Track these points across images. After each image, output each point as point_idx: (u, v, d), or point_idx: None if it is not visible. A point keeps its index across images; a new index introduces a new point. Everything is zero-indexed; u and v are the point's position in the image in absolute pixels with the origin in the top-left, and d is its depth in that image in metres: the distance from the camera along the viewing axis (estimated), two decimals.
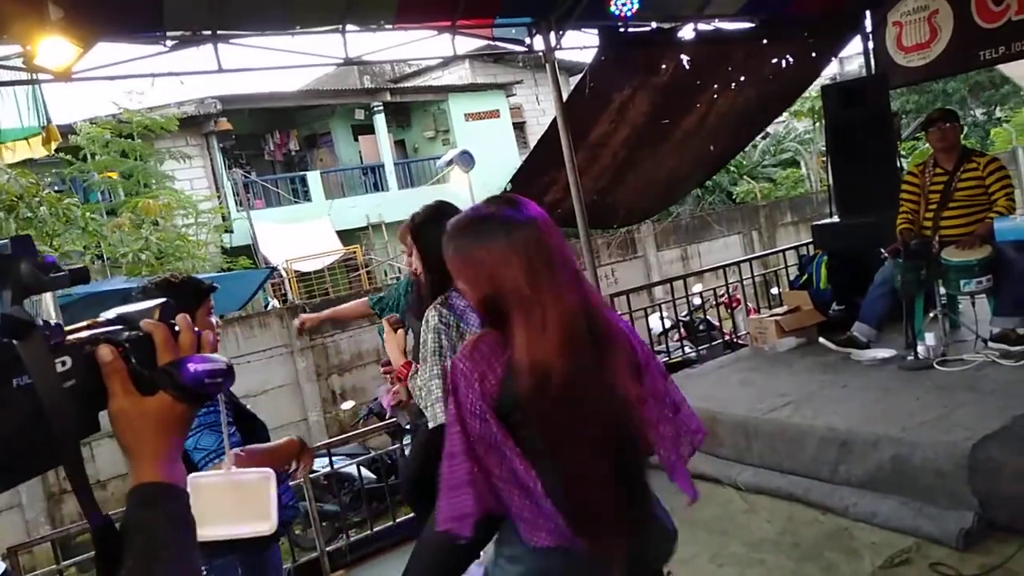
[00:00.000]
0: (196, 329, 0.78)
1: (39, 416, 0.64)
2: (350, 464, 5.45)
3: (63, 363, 0.67)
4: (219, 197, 14.15)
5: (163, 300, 0.79)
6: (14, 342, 0.63)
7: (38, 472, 0.69)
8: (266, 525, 0.89)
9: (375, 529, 4.24)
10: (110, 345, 0.71)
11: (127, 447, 0.74)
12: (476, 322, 2.24)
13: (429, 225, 2.42)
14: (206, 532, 0.83)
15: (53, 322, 0.69)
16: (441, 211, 2.48)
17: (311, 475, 4.01)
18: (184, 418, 0.76)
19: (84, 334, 0.71)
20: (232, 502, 0.88)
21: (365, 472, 5.93)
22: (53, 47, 3.43)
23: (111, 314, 0.77)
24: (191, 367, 0.73)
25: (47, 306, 3.05)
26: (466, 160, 13.70)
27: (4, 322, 0.63)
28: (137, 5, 3.71)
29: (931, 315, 4.37)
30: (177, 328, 0.76)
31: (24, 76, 3.86)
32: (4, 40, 3.61)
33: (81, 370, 0.69)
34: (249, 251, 13.15)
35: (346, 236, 14.76)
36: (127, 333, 0.73)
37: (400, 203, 14.65)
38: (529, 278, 1.36)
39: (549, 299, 1.36)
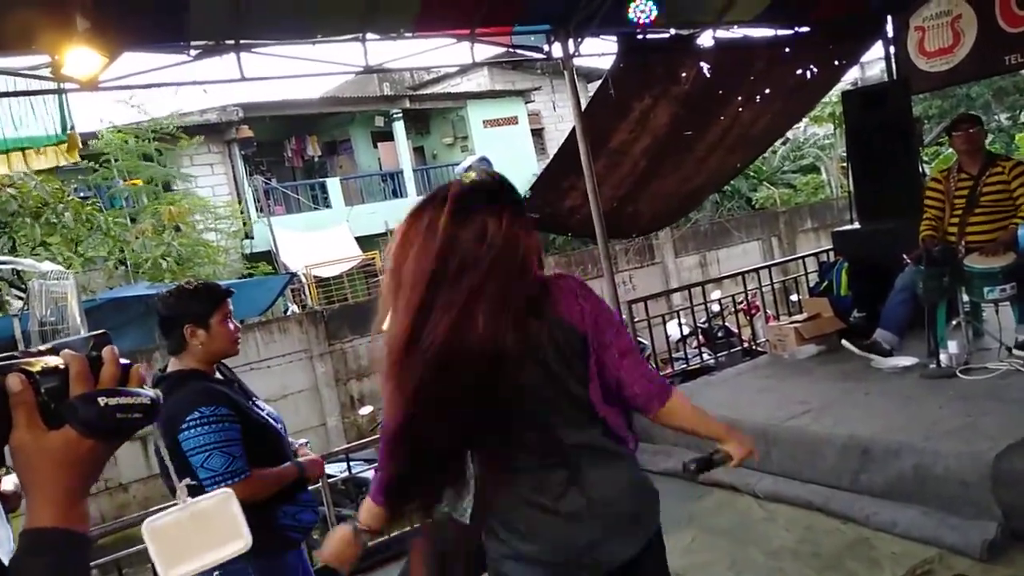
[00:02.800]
0: (125, 362, 0.74)
1: None
2: (368, 469, 5.46)
3: None
4: (240, 203, 14.31)
5: (100, 332, 0.77)
6: None
7: None
8: (240, 543, 0.87)
9: (391, 534, 4.25)
10: (21, 375, 0.68)
11: (24, 485, 0.69)
12: None
13: None
14: (182, 570, 0.82)
15: None
16: None
17: (329, 480, 4.04)
18: (91, 456, 0.71)
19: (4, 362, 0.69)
20: (198, 531, 0.86)
21: None
22: (80, 57, 3.50)
23: (49, 345, 0.75)
24: (100, 400, 0.69)
25: (73, 312, 3.13)
26: (484, 166, 13.72)
27: None
28: (163, 16, 3.78)
29: (954, 323, 4.31)
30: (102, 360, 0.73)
31: (50, 85, 3.94)
32: (32, 50, 3.68)
33: None
34: (269, 257, 13.28)
35: (365, 242, 14.86)
36: (48, 363, 0.71)
37: None
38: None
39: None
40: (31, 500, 0.69)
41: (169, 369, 2.33)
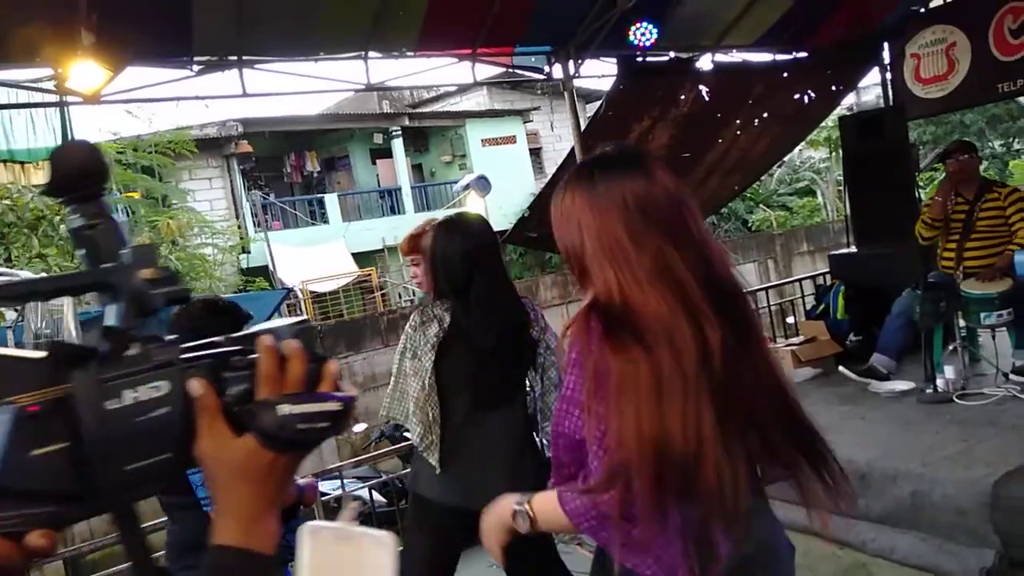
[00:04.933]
0: (313, 359, 0.65)
1: (150, 440, 0.59)
2: (361, 487, 5.43)
3: (156, 388, 0.60)
4: (238, 218, 14.32)
5: (301, 319, 0.69)
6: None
7: (94, 512, 0.61)
8: None
9: None
10: (203, 378, 0.62)
11: (211, 497, 0.65)
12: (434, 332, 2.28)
13: (445, 236, 2.42)
14: None
15: (168, 337, 0.63)
16: (460, 223, 2.49)
17: (323, 498, 4.01)
18: (274, 469, 0.64)
19: (199, 354, 0.64)
20: (349, 561, 0.78)
21: (376, 496, 5.91)
22: (84, 71, 3.52)
23: (253, 330, 0.68)
24: (281, 408, 0.62)
25: (68, 322, 3.11)
26: (482, 185, 13.80)
27: (54, 349, 0.57)
28: (167, 31, 3.80)
29: (950, 348, 4.32)
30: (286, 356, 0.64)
31: (52, 97, 3.96)
32: (37, 63, 3.70)
33: (181, 398, 0.61)
34: (266, 272, 13.28)
35: (362, 258, 14.87)
36: (239, 358, 0.64)
37: (415, 226, 14.74)
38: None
39: None
40: (216, 513, 0.64)
41: None
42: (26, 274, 3.35)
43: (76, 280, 0.61)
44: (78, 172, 0.61)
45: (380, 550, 0.75)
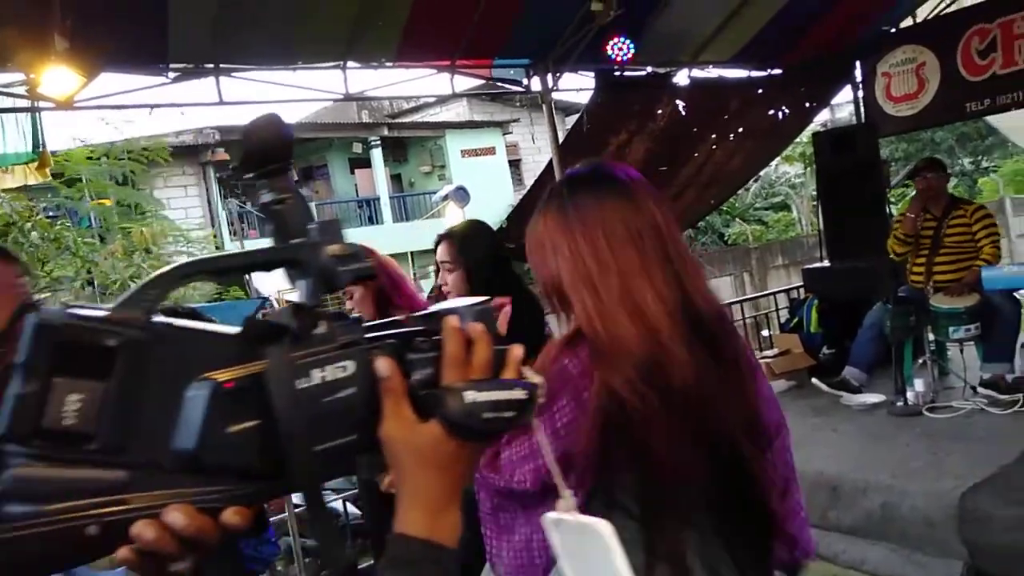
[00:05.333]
0: (497, 343, 0.62)
1: (334, 422, 0.58)
2: (335, 500, 5.37)
3: (342, 368, 0.59)
4: (214, 226, 14.17)
5: (484, 300, 0.66)
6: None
7: (291, 489, 0.60)
8: None
9: (360, 566, 4.16)
10: (391, 358, 0.60)
11: (394, 482, 0.62)
12: None
13: (476, 240, 2.31)
14: None
15: (353, 315, 0.62)
16: (484, 226, 2.44)
17: (296, 510, 3.96)
18: (460, 458, 0.61)
19: (385, 332, 0.62)
20: (581, 551, 0.77)
21: (351, 508, 5.85)
22: (57, 76, 3.47)
23: (432, 309, 0.66)
24: (468, 395, 0.59)
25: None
26: (461, 196, 13.81)
27: (249, 325, 0.57)
28: (143, 38, 3.77)
29: (920, 361, 4.39)
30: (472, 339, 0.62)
31: (24, 102, 3.90)
32: (8, 68, 3.65)
33: (365, 379, 0.59)
34: (241, 281, 13.14)
35: None
36: (423, 339, 0.62)
37: (394, 236, 14.69)
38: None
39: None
40: (399, 501, 0.62)
41: None
42: None
43: (268, 255, 0.61)
44: (269, 147, 0.61)
45: (602, 535, 0.76)
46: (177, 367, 0.54)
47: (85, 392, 0.51)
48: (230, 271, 0.61)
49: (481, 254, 2.24)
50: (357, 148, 16.92)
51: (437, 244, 2.32)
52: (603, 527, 0.77)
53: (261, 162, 0.61)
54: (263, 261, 0.60)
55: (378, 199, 16.82)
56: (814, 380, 4.66)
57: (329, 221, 0.63)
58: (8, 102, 3.90)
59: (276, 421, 0.55)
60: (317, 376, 0.57)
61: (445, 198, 14.22)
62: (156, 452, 0.53)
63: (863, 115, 6.25)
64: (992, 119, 7.65)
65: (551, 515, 0.74)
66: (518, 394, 0.61)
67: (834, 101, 7.82)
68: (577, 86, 5.53)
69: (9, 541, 0.49)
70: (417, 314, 0.66)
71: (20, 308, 0.59)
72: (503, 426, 0.61)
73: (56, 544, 0.50)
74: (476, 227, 2.42)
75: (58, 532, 0.50)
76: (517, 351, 0.64)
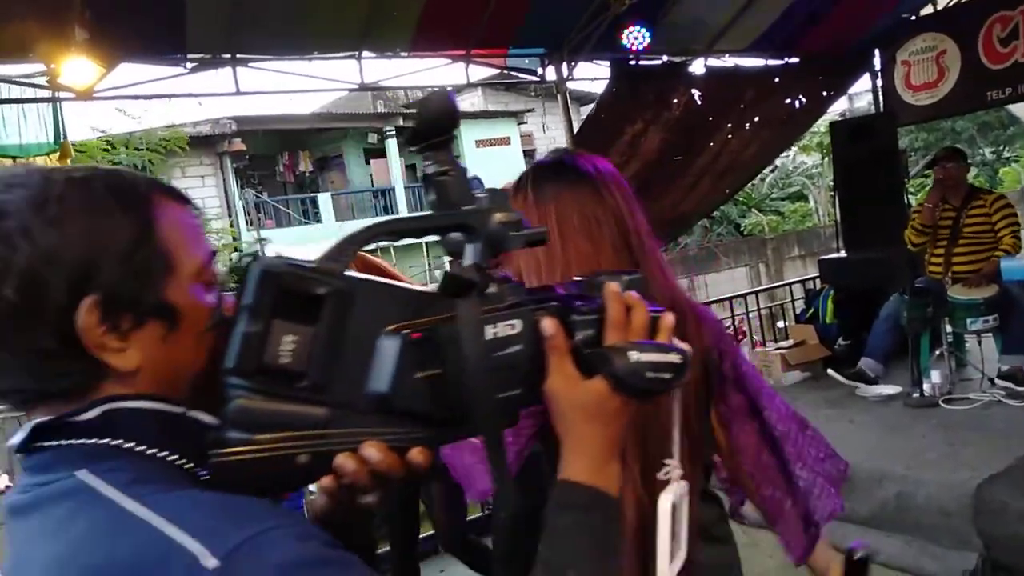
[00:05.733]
0: (656, 310, 0.66)
1: (500, 375, 0.63)
2: None
3: (511, 326, 0.63)
4: (230, 216, 14.28)
5: (634, 271, 0.71)
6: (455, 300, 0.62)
7: (464, 435, 0.65)
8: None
9: (378, 551, 4.21)
10: (556, 318, 0.65)
11: (559, 434, 0.67)
12: None
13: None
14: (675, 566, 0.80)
15: (515, 280, 0.67)
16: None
17: (311, 497, 4.01)
18: (622, 414, 0.66)
19: (542, 297, 0.68)
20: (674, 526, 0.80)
21: None
22: (77, 67, 3.51)
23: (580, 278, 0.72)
24: (632, 355, 0.64)
25: None
26: (476, 186, 13.78)
27: (449, 279, 0.62)
28: (161, 29, 3.80)
29: (937, 352, 4.36)
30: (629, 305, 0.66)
31: (45, 93, 3.95)
32: (29, 59, 3.69)
33: (531, 337, 0.64)
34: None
35: None
36: (586, 304, 0.67)
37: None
38: None
39: None
40: (564, 451, 0.67)
41: None
42: None
43: (441, 220, 0.66)
44: (437, 121, 0.65)
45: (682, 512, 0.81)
46: (371, 317, 0.60)
47: (298, 335, 0.57)
48: (409, 233, 0.67)
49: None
50: (372, 138, 16.95)
51: None
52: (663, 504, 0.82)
53: (428, 135, 0.66)
54: (438, 226, 0.66)
55: (393, 189, 16.86)
56: (830, 371, 4.64)
57: (497, 191, 0.68)
58: (29, 92, 3.94)
59: (461, 369, 0.60)
60: (490, 332, 0.62)
61: None
62: (352, 394, 0.59)
63: (882, 104, 6.18)
64: (1014, 108, 7.56)
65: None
66: (674, 358, 0.66)
67: (852, 90, 7.73)
68: (592, 75, 5.51)
69: (232, 464, 0.55)
70: (572, 281, 0.71)
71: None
72: (661, 386, 0.66)
73: (272, 469, 0.56)
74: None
75: (274, 459, 0.56)
76: (670, 318, 0.68)
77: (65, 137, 4.25)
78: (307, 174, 17.51)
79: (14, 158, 4.00)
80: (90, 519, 0.56)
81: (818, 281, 5.91)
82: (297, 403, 0.57)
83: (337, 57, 4.56)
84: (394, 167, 16.91)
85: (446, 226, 0.66)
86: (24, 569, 0.58)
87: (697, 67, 5.49)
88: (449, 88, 0.68)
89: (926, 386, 4.05)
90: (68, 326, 0.59)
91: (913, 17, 6.01)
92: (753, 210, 17.41)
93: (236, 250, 13.61)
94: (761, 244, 14.80)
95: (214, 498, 0.56)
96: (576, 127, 5.34)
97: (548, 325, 0.64)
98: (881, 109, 6.17)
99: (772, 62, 5.80)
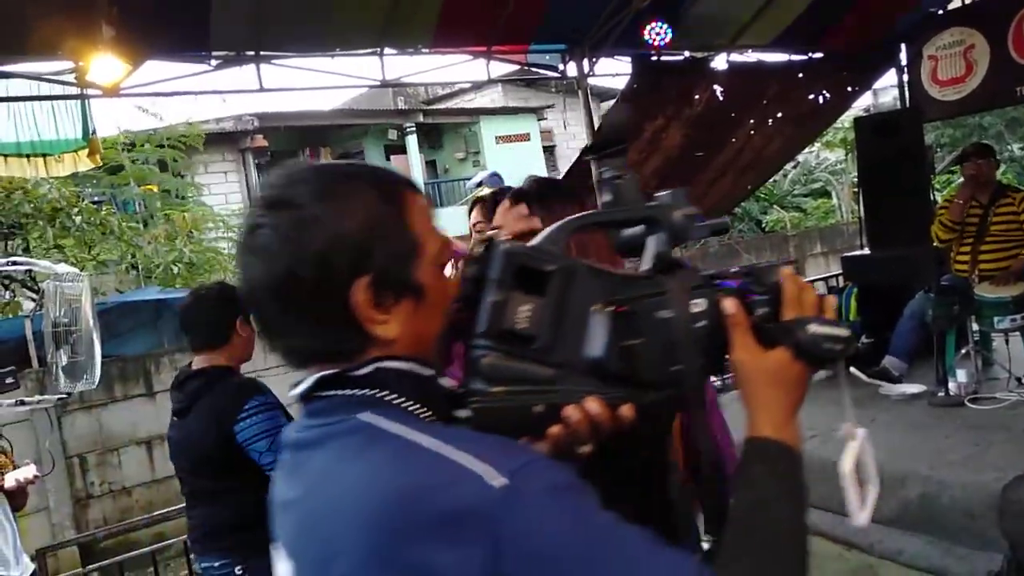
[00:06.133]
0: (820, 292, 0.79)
1: (671, 347, 0.73)
2: None
3: (697, 304, 0.75)
4: None
5: (789, 260, 0.83)
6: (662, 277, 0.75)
7: (664, 394, 0.76)
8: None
9: None
10: (734, 298, 0.76)
11: (744, 398, 0.77)
12: None
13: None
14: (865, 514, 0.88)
15: (690, 264, 0.79)
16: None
17: None
18: (800, 379, 0.77)
19: (718, 281, 0.79)
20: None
21: None
22: (104, 64, 3.57)
23: (737, 268, 0.82)
24: (811, 328, 0.74)
25: (86, 314, 3.12)
26: (495, 181, 13.74)
27: (659, 259, 0.75)
28: (186, 26, 3.85)
29: (963, 351, 4.30)
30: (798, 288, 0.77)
31: (72, 90, 4.01)
32: (58, 56, 3.75)
33: (712, 314, 0.75)
34: None
35: None
36: (755, 286, 0.78)
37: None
38: None
39: None
40: (751, 413, 0.76)
41: (197, 366, 2.32)
42: (45, 263, 3.41)
43: (630, 214, 0.79)
44: (615, 133, 0.99)
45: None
46: (586, 292, 0.72)
47: (531, 304, 0.70)
48: (607, 224, 0.81)
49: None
50: (392, 134, 17.01)
51: (471, 208, 2.35)
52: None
53: (606, 145, 0.80)
54: (631, 218, 0.79)
55: None
56: (852, 369, 4.59)
57: (677, 190, 0.80)
58: (58, 90, 4.01)
59: (665, 338, 0.72)
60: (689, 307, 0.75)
61: (479, 184, 14.24)
62: (572, 356, 0.71)
63: (907, 99, 6.10)
64: None
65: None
66: (843, 331, 0.76)
67: (877, 85, 7.63)
68: (613, 71, 5.48)
69: (487, 409, 0.69)
70: (740, 268, 0.82)
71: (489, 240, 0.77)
72: (835, 355, 0.76)
73: (515, 416, 0.69)
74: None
75: (516, 407, 0.69)
76: (833, 299, 0.80)
77: (94, 133, 4.32)
78: None
79: (45, 155, 4.08)
80: (383, 448, 0.68)
81: (841, 278, 5.85)
82: (530, 362, 0.70)
83: (359, 54, 4.59)
84: (414, 163, 16.95)
85: (636, 219, 0.79)
86: (327, 485, 0.70)
87: (719, 62, 5.45)
88: (618, 108, 0.80)
89: (951, 385, 3.99)
90: (345, 301, 0.70)
91: (940, 11, 5.92)
92: (775, 206, 17.24)
93: None
94: (783, 241, 14.65)
95: (481, 434, 0.67)
96: (597, 123, 5.33)
97: (730, 304, 0.75)
98: (907, 104, 6.08)
99: (796, 57, 5.74)
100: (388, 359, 0.73)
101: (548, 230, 0.74)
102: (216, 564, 2.25)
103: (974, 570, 2.78)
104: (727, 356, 0.76)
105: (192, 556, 2.39)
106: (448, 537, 0.61)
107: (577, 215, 0.76)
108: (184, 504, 2.50)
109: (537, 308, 0.70)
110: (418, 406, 0.73)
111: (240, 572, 2.22)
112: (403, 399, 0.72)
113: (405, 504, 0.63)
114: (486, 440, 0.66)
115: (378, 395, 0.72)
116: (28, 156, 4.00)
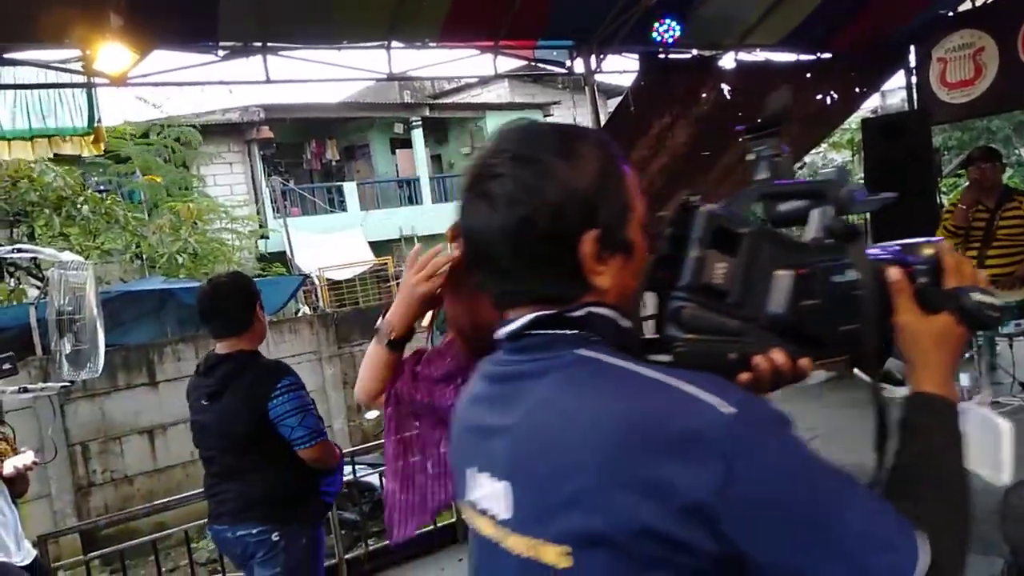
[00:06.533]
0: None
1: (853, 308, 0.81)
2: (372, 474, 5.47)
3: (864, 271, 0.82)
4: (257, 203, 14.41)
5: (941, 240, 0.89)
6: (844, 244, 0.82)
7: (841, 353, 0.87)
8: (1002, 475, 1.01)
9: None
10: (899, 266, 0.83)
11: (908, 358, 0.85)
12: None
13: None
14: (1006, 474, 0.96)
15: (861, 234, 0.85)
16: None
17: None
18: (960, 342, 0.84)
19: (877, 253, 0.86)
20: (975, 440, 0.98)
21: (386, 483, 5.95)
22: (111, 53, 3.57)
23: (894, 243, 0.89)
24: (974, 296, 0.81)
25: (90, 303, 3.14)
26: None
27: (838, 226, 0.82)
28: (194, 16, 3.84)
29: (967, 355, 4.29)
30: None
31: (79, 78, 4.01)
32: (66, 44, 3.75)
33: (876, 282, 0.82)
34: (283, 258, 13.37)
35: (378, 247, 14.92)
36: (912, 258, 0.85)
37: (434, 217, 14.78)
38: None
39: None
40: (915, 371, 0.84)
41: (222, 351, 2.47)
42: (50, 251, 3.41)
43: (806, 186, 0.87)
44: (776, 116, 0.88)
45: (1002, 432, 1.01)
46: (770, 254, 0.80)
47: (725, 262, 0.78)
48: (779, 196, 0.87)
49: None
50: (398, 128, 16.99)
51: None
52: (1004, 425, 1.04)
53: (766, 126, 0.88)
54: (801, 190, 0.87)
55: (418, 179, 16.90)
56: (856, 371, 4.58)
57: (840, 168, 0.90)
58: (65, 78, 4.01)
59: (842, 301, 0.80)
60: (851, 274, 0.82)
61: None
62: (756, 312, 0.79)
63: (916, 101, 6.07)
64: None
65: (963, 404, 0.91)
66: (998, 300, 0.84)
67: (885, 87, 7.60)
68: (621, 68, 5.47)
69: (689, 352, 0.77)
70: (895, 243, 0.89)
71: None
72: (992, 321, 0.84)
73: (709, 361, 0.76)
74: None
75: (712, 353, 0.77)
76: (984, 273, 0.87)
77: (99, 122, 4.32)
78: (333, 163, 17.61)
79: (49, 137, 4.08)
80: (613, 377, 0.75)
81: None
82: (722, 315, 0.78)
83: (366, 46, 4.58)
84: (419, 157, 16.95)
85: (808, 191, 0.86)
86: (554, 410, 0.76)
87: (727, 61, 5.43)
88: (782, 90, 0.93)
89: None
90: (574, 251, 0.77)
91: (951, 13, 5.89)
92: None
93: (263, 237, 13.75)
94: None
95: (696, 371, 0.73)
96: (604, 120, 5.31)
97: (894, 272, 0.83)
98: (915, 106, 6.06)
99: (804, 57, 5.72)
100: (598, 305, 0.80)
101: (733, 197, 0.83)
102: (254, 531, 2.41)
103: (975, 574, 2.77)
104: (890, 319, 0.83)
105: (222, 527, 2.51)
106: (684, 456, 0.67)
107: (753, 187, 0.85)
108: (208, 484, 2.60)
109: (730, 266, 0.78)
110: (620, 350, 0.79)
111: (276, 538, 2.39)
112: (608, 343, 0.79)
113: (643, 425, 0.70)
114: (704, 376, 0.72)
115: (589, 336, 0.79)
116: (33, 139, 3.99)
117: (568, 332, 0.79)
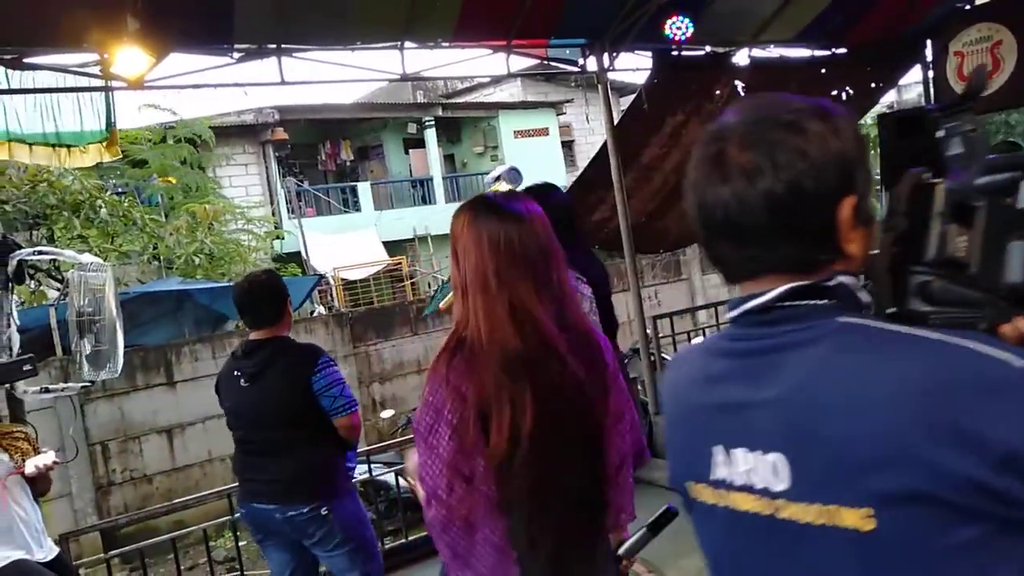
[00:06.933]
0: None
1: None
2: (387, 472, 5.50)
3: None
4: (272, 204, 14.51)
5: None
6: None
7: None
8: None
9: (410, 538, 4.28)
10: None
11: None
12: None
13: (551, 192, 2.74)
14: None
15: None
16: (555, 186, 2.83)
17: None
18: None
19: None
20: None
21: (402, 481, 5.98)
22: (128, 56, 3.60)
23: None
24: None
25: (109, 304, 3.18)
26: (514, 176, 13.68)
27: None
28: (210, 19, 3.87)
29: None
30: None
31: (96, 82, 4.06)
32: (83, 48, 3.80)
33: None
34: (298, 258, 13.45)
35: (392, 247, 14.98)
36: None
37: (447, 216, 14.63)
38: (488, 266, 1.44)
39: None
40: None
41: (257, 338, 2.70)
42: (70, 253, 3.45)
43: (1005, 161, 0.88)
44: (976, 91, 0.95)
45: None
46: (1004, 224, 0.81)
47: (964, 235, 0.81)
48: (998, 168, 0.87)
49: (556, 206, 2.36)
50: (411, 128, 17.04)
51: None
52: None
53: (965, 102, 0.94)
54: (1014, 163, 0.87)
55: (431, 179, 16.95)
56: None
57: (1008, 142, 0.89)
58: (83, 82, 4.06)
59: None
60: None
61: (497, 178, 14.18)
62: (994, 282, 0.80)
63: (932, 96, 6.01)
64: None
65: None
66: None
67: (902, 81, 7.53)
68: (634, 66, 5.46)
69: (939, 325, 0.77)
70: None
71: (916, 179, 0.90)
72: None
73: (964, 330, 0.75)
74: (549, 184, 2.78)
75: (964, 324, 0.78)
76: None
77: (114, 125, 4.37)
78: (347, 163, 17.69)
79: (69, 146, 4.13)
80: (896, 342, 0.76)
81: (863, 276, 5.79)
82: (964, 286, 0.80)
83: (379, 47, 4.60)
84: (433, 157, 16.99)
85: (1010, 166, 0.87)
86: (829, 378, 0.76)
87: (741, 58, 5.40)
88: (982, 67, 0.88)
89: None
90: (833, 216, 0.79)
91: (967, 7, 5.82)
92: None
93: (278, 238, 13.85)
94: None
95: (966, 332, 0.75)
96: (616, 118, 5.31)
97: None
98: (932, 101, 5.99)
99: (819, 53, 5.68)
100: (846, 275, 0.82)
101: (957, 172, 0.87)
102: (305, 510, 2.55)
103: None
104: None
105: (262, 505, 2.65)
106: (992, 408, 0.69)
107: (971, 162, 0.89)
108: (245, 464, 2.75)
109: (970, 238, 0.80)
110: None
111: (325, 513, 2.55)
112: (851, 311, 0.81)
113: (948, 381, 0.71)
114: (981, 335, 0.74)
115: (840, 305, 0.81)
116: (54, 146, 4.05)
117: (823, 303, 0.81)
